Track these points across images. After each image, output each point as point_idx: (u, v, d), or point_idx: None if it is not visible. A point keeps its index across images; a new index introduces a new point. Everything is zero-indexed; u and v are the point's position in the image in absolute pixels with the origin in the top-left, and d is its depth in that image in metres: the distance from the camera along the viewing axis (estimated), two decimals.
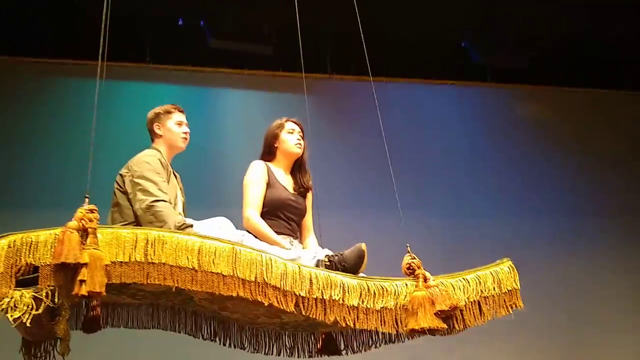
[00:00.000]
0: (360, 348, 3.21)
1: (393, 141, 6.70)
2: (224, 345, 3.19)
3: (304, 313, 2.43)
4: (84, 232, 2.13)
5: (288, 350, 3.28)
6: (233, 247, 2.38)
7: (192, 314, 3.10)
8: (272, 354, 3.28)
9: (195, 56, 6.78)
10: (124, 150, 5.82)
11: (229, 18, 6.42)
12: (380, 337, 3.11)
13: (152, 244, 2.26)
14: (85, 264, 2.07)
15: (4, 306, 2.10)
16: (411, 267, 2.62)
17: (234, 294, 2.31)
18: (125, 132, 5.67)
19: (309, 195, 3.49)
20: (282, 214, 3.30)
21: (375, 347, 3.16)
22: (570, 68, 7.49)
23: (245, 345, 3.20)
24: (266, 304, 2.36)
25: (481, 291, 2.67)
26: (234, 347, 3.20)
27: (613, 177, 7.28)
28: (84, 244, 2.11)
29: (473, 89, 7.51)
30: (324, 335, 3.29)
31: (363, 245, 2.82)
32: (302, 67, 6.23)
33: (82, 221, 2.14)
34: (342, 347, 3.28)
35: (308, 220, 3.48)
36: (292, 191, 3.39)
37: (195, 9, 6.45)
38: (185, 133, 3.31)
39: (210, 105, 6.90)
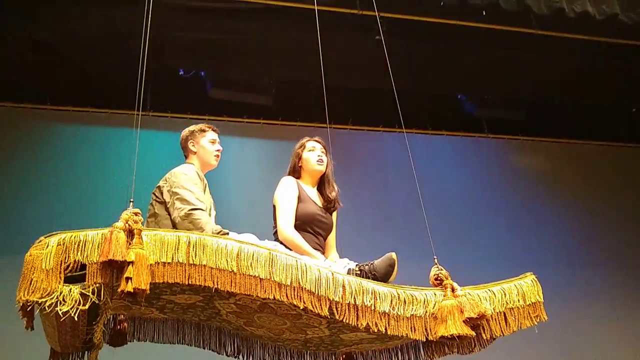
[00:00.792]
0: None
1: (387, 188, 6.86)
2: None
3: (337, 317, 2.47)
4: (129, 233, 2.22)
5: None
6: (270, 252, 2.45)
7: (216, 330, 3.15)
8: None
9: (195, 105, 6.86)
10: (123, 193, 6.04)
11: (229, 69, 6.54)
12: (400, 358, 3.19)
13: (193, 247, 2.32)
14: (132, 262, 2.15)
15: (53, 300, 2.14)
16: (439, 278, 2.68)
17: (271, 297, 2.37)
18: (127, 178, 5.70)
19: (335, 213, 3.55)
20: (311, 229, 3.33)
21: None
22: (567, 120, 7.62)
23: None
24: (301, 307, 2.41)
25: (506, 302, 2.71)
26: None
27: (610, 229, 7.29)
28: (129, 244, 2.20)
29: (469, 140, 7.59)
30: (344, 356, 3.33)
31: (393, 255, 2.91)
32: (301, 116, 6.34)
33: (128, 223, 2.23)
34: None
35: (332, 237, 3.51)
36: (320, 206, 3.44)
37: (196, 59, 6.58)
38: (218, 151, 3.44)
39: None
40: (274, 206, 3.34)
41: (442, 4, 5.46)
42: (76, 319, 2.19)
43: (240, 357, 3.24)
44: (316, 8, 3.53)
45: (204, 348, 3.19)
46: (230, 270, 2.33)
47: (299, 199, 3.32)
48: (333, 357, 3.37)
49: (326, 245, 3.46)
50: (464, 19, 5.76)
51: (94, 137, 6.56)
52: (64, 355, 2.82)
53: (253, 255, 2.39)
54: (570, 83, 7.12)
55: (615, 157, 7.78)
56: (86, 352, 2.77)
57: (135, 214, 2.29)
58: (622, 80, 7.22)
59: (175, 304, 2.75)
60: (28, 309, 2.23)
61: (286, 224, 3.22)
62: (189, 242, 2.33)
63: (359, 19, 6.18)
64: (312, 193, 3.47)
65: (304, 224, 3.29)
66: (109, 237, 2.17)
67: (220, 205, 6.06)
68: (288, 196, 3.30)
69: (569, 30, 6.15)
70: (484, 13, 5.68)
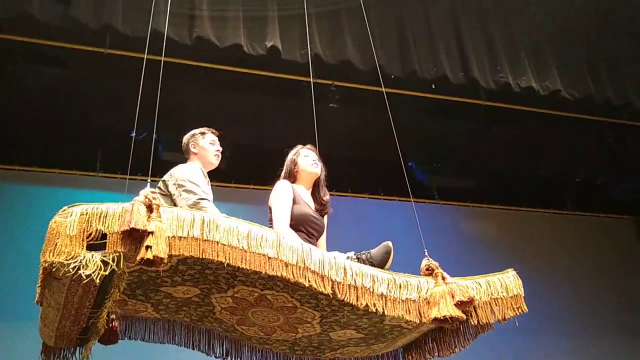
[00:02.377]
0: None
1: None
2: None
3: (339, 296, 2.59)
4: (149, 207, 2.31)
5: None
6: (277, 234, 2.59)
7: (206, 332, 3.24)
8: None
9: (146, 167, 6.77)
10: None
11: (183, 132, 6.52)
12: None
13: (207, 225, 2.42)
14: (152, 232, 2.25)
15: (76, 264, 2.23)
16: (430, 268, 2.88)
17: (278, 274, 2.48)
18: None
19: (326, 216, 3.69)
20: (304, 229, 3.43)
21: None
22: (514, 189, 7.83)
23: None
24: (307, 285, 2.53)
25: (491, 293, 2.91)
26: None
27: (556, 294, 7.41)
28: (149, 217, 2.30)
29: (420, 205, 7.68)
30: None
31: (389, 243, 3.14)
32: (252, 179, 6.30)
33: (148, 197, 2.33)
34: None
35: (323, 239, 3.63)
36: (313, 209, 3.58)
37: (148, 121, 6.53)
38: (218, 151, 3.64)
39: None
40: (270, 208, 3.46)
41: (392, 76, 5.60)
42: (97, 282, 2.29)
43: (230, 358, 3.34)
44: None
45: (194, 349, 3.26)
46: (241, 247, 2.44)
47: (294, 201, 3.46)
48: None
49: (317, 246, 3.53)
50: (415, 90, 5.91)
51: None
52: (55, 350, 2.88)
53: (262, 236, 2.51)
54: (516, 153, 7.36)
55: (561, 224, 7.99)
56: (78, 347, 2.87)
57: (153, 191, 2.39)
58: (565, 151, 7.51)
59: (171, 299, 2.83)
60: (52, 271, 2.31)
61: (282, 224, 3.31)
62: (203, 220, 2.43)
63: (314, 86, 6.31)
64: (306, 196, 3.62)
65: (298, 224, 3.40)
66: (130, 209, 2.27)
67: None
68: (283, 198, 3.43)
69: (515, 103, 6.38)
70: (434, 86, 5.87)
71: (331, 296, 2.63)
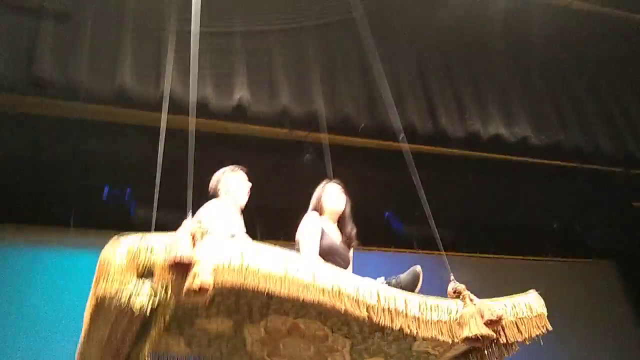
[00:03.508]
0: None
1: None
2: None
3: (374, 319, 2.68)
4: (193, 238, 2.39)
5: None
6: (313, 263, 2.77)
7: None
8: None
9: (120, 224, 6.70)
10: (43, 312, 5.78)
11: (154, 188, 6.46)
12: None
13: (247, 254, 2.50)
14: (197, 262, 2.33)
15: (129, 291, 2.31)
16: (457, 290, 2.99)
17: (315, 299, 2.56)
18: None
19: (352, 250, 3.78)
20: (332, 261, 3.41)
21: None
22: (493, 237, 7.79)
23: None
24: (342, 309, 2.61)
25: (517, 313, 3.00)
26: None
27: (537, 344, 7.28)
28: (194, 247, 2.37)
29: (400, 256, 7.60)
30: None
31: (418, 268, 3.30)
32: None
33: (192, 228, 2.41)
34: None
35: (349, 271, 3.65)
36: (339, 242, 3.69)
37: (122, 177, 6.50)
38: (248, 188, 3.70)
39: None
40: (298, 240, 3.56)
41: (361, 126, 5.63)
42: (147, 311, 2.35)
43: None
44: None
45: None
46: (279, 275, 2.51)
47: (322, 233, 3.55)
48: None
49: None
50: (384, 139, 5.91)
51: None
52: None
53: (299, 263, 2.63)
54: (489, 201, 7.35)
55: (540, 271, 7.92)
56: None
57: (198, 222, 2.48)
58: (542, 198, 7.52)
59: (204, 333, 2.89)
60: (103, 301, 2.35)
61: (312, 255, 3.41)
62: (242, 249, 2.52)
63: (288, 142, 6.33)
64: (332, 229, 3.72)
65: (326, 256, 3.46)
66: (176, 240, 2.35)
67: None
68: (312, 230, 3.53)
69: (485, 151, 6.42)
70: (402, 137, 5.89)
71: (366, 320, 2.70)
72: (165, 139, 5.98)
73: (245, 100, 5.16)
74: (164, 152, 6.05)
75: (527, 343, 3.02)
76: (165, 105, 3.43)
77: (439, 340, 2.88)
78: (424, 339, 2.91)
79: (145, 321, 2.51)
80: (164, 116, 3.40)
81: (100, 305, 2.39)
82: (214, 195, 3.63)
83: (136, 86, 4.85)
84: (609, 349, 7.97)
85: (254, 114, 5.18)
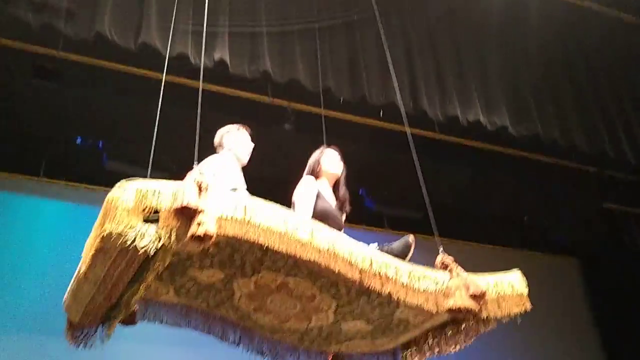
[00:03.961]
0: None
1: None
2: (247, 350, 3.48)
3: (365, 283, 2.76)
4: (199, 188, 2.42)
5: None
6: (311, 223, 2.77)
7: (220, 320, 3.35)
8: None
9: (91, 176, 6.63)
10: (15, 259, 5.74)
11: (127, 143, 6.39)
12: None
13: (250, 209, 2.55)
14: (202, 211, 2.36)
15: (134, 234, 2.34)
16: (445, 263, 3.04)
17: (311, 259, 2.63)
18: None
19: (344, 214, 3.83)
20: (327, 224, 3.42)
21: None
22: (463, 224, 7.82)
23: (265, 354, 3.52)
24: (336, 271, 2.70)
25: (499, 290, 3.05)
26: (256, 352, 3.51)
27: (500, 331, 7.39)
28: (199, 196, 2.40)
29: (371, 234, 7.63)
30: (332, 356, 3.64)
31: (411, 237, 3.39)
32: None
33: (198, 179, 2.44)
34: None
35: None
36: (334, 206, 3.73)
37: (94, 130, 6.41)
38: (250, 147, 3.75)
39: None
40: (293, 202, 3.57)
41: (341, 100, 5.59)
42: (150, 253, 2.40)
43: (241, 345, 3.45)
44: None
45: (209, 334, 3.37)
46: (279, 231, 2.56)
47: (317, 197, 3.59)
48: (322, 356, 3.64)
49: None
50: (362, 115, 5.89)
51: None
52: (79, 327, 3.03)
53: (298, 222, 2.68)
54: (465, 188, 7.38)
55: (505, 260, 7.99)
56: (100, 326, 3.01)
57: (201, 173, 2.50)
58: (514, 190, 7.58)
59: (194, 284, 2.97)
60: (107, 241, 2.40)
61: (305, 216, 3.42)
62: (246, 203, 2.56)
63: (271, 108, 6.27)
64: (328, 194, 3.76)
65: (321, 218, 3.41)
66: (183, 187, 2.38)
67: None
68: (308, 193, 3.57)
69: (463, 136, 6.42)
70: (381, 113, 5.88)
71: (357, 283, 2.78)
72: (140, 92, 5.95)
73: (226, 60, 5.08)
74: (140, 107, 6.01)
75: (504, 321, 3.11)
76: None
77: (422, 309, 2.95)
78: (408, 307, 3.00)
79: (142, 265, 2.57)
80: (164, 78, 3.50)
81: (104, 244, 2.43)
82: (217, 150, 3.68)
83: (115, 35, 4.73)
84: (568, 344, 8.14)
85: (234, 75, 5.10)
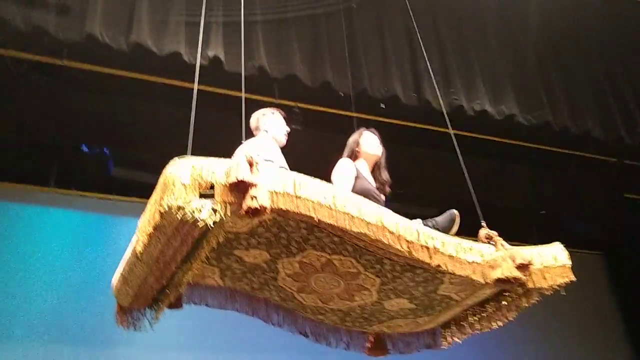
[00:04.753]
0: (403, 350, 3.76)
1: None
2: (290, 332, 3.58)
3: (415, 255, 2.80)
4: (250, 164, 2.47)
5: (344, 344, 3.72)
6: (359, 198, 2.81)
7: (263, 302, 3.43)
8: (330, 345, 3.68)
9: (98, 184, 6.62)
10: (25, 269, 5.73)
11: (132, 149, 6.37)
12: (420, 342, 3.72)
13: (299, 183, 2.59)
14: (256, 185, 2.43)
15: (193, 208, 2.38)
16: (489, 236, 3.16)
17: (361, 231, 2.68)
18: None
19: (383, 196, 3.78)
20: None
21: (417, 350, 3.74)
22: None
23: (308, 334, 3.63)
24: (386, 242, 2.73)
25: (543, 261, 3.11)
26: (299, 333, 3.61)
27: (516, 329, 7.18)
28: (252, 172, 2.46)
29: None
30: (374, 337, 3.73)
31: (455, 211, 3.42)
32: None
33: (248, 156, 2.49)
34: (390, 347, 3.75)
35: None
36: (374, 187, 3.72)
37: (100, 137, 6.39)
38: (287, 131, 3.77)
39: (113, 234, 6.63)
40: (332, 182, 3.54)
41: (337, 95, 5.47)
42: (210, 225, 2.43)
43: (285, 326, 3.54)
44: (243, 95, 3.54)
45: (252, 316, 3.44)
46: (328, 205, 2.61)
47: (357, 177, 3.60)
48: (363, 337, 3.73)
49: None
50: (364, 112, 5.73)
51: None
52: (128, 311, 3.17)
53: (345, 197, 2.73)
54: (477, 181, 7.17)
55: None
56: (149, 309, 3.13)
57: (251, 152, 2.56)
58: (528, 182, 7.36)
59: (239, 264, 3.03)
60: (166, 217, 2.44)
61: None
62: (295, 179, 2.61)
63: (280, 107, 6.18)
64: (368, 174, 3.77)
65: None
66: (236, 163, 2.44)
67: None
68: (347, 174, 3.58)
69: (470, 128, 6.24)
70: (383, 106, 5.74)
71: (404, 256, 2.85)
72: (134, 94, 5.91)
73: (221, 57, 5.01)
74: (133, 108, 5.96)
75: (549, 293, 3.15)
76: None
77: (467, 283, 3.06)
78: (452, 282, 3.09)
79: (195, 243, 2.64)
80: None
81: (163, 220, 2.47)
82: (254, 134, 3.70)
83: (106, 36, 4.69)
84: (594, 341, 7.89)
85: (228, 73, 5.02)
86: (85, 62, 5.44)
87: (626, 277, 8.37)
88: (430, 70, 4.43)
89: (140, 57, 5.01)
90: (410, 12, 4.50)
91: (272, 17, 5.14)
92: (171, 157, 6.29)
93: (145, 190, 6.57)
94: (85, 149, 6.58)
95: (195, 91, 3.18)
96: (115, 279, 3.07)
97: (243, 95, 3.30)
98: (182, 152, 6.36)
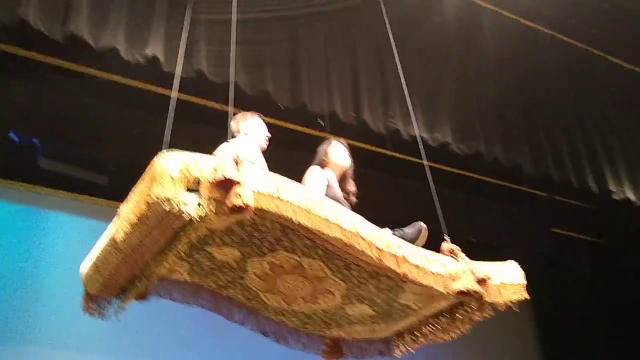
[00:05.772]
0: (357, 355, 3.89)
1: None
2: (251, 330, 3.65)
3: (383, 263, 2.94)
4: (236, 163, 2.56)
5: (302, 345, 3.81)
6: (335, 204, 2.95)
7: (227, 299, 3.48)
8: (289, 346, 3.77)
9: (25, 174, 6.38)
10: None
11: (64, 141, 6.17)
12: (374, 349, 3.88)
13: (282, 186, 2.69)
14: (241, 183, 2.50)
15: (180, 201, 2.46)
16: (451, 250, 3.31)
17: (335, 236, 2.79)
18: None
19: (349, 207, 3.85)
20: None
21: (370, 356, 3.90)
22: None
23: (269, 334, 3.70)
24: (358, 248, 2.85)
25: (500, 278, 3.31)
26: (261, 333, 3.68)
27: None
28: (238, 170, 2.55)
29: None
30: (330, 341, 3.84)
31: (422, 224, 3.51)
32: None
33: (234, 155, 2.58)
34: (345, 351, 3.86)
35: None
36: (341, 197, 3.80)
37: (31, 126, 6.17)
38: (267, 136, 3.82)
39: (35, 226, 6.41)
40: None
41: (281, 106, 5.47)
42: (195, 219, 2.52)
43: (247, 325, 3.60)
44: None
45: (215, 312, 3.50)
46: (307, 209, 2.71)
47: (327, 186, 3.69)
48: (320, 340, 3.84)
49: None
50: (303, 125, 5.76)
51: None
52: (95, 299, 3.20)
53: (324, 202, 2.86)
54: (416, 206, 7.27)
55: None
56: (115, 299, 3.18)
57: (237, 152, 2.65)
58: (463, 210, 7.50)
59: (208, 261, 3.07)
60: (152, 208, 2.51)
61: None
62: (277, 181, 2.70)
63: (218, 114, 6.12)
64: (335, 184, 3.84)
65: None
66: (223, 161, 2.53)
67: (42, 285, 5.75)
68: (318, 180, 3.67)
69: (405, 152, 6.33)
70: (321, 122, 5.77)
71: (373, 264, 2.97)
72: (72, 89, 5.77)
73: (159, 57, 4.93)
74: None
75: (502, 309, 3.33)
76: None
77: (427, 293, 3.22)
78: (413, 291, 3.22)
79: (173, 236, 2.70)
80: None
81: (149, 210, 2.53)
82: (234, 136, 3.72)
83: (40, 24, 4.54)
84: None
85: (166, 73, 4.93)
86: (19, 48, 5.29)
87: (546, 308, 8.61)
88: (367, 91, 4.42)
89: (76, 49, 4.88)
90: (354, 30, 4.48)
91: (217, 17, 5.05)
92: (101, 153, 6.14)
93: (73, 185, 6.42)
94: (14, 137, 6.36)
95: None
96: (86, 265, 3.11)
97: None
98: (112, 147, 6.21)
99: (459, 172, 7.04)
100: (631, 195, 7.20)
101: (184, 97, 5.55)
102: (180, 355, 6.20)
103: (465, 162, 6.53)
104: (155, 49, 4.89)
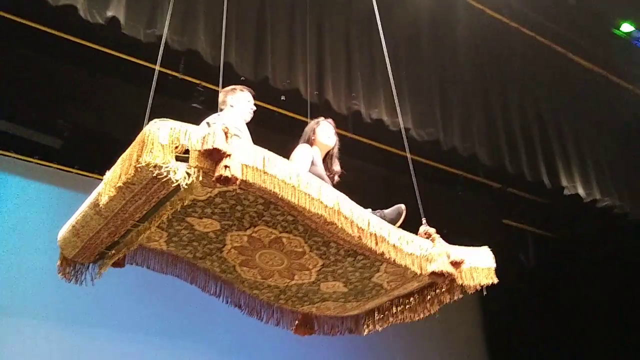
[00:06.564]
0: (327, 332, 4.01)
1: None
2: (225, 302, 3.72)
3: (363, 241, 2.97)
4: (226, 135, 2.56)
5: (275, 320, 3.88)
6: (319, 181, 2.94)
7: (203, 271, 3.54)
8: (261, 319, 3.84)
9: None
10: None
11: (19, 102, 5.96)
12: (344, 326, 4.00)
13: (268, 160, 2.69)
14: (230, 155, 2.52)
15: (168, 168, 2.47)
16: (428, 233, 3.34)
17: (319, 212, 2.81)
18: None
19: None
20: None
21: (340, 334, 4.02)
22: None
23: (242, 307, 3.77)
24: (339, 225, 2.88)
25: (472, 261, 3.36)
26: (234, 305, 3.75)
27: None
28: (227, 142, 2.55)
29: None
30: (302, 316, 3.94)
31: (402, 206, 3.56)
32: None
33: (223, 127, 2.58)
34: (315, 327, 3.98)
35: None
36: (325, 175, 3.85)
37: None
38: (252, 109, 3.86)
39: None
40: None
41: (242, 78, 5.37)
42: (183, 186, 2.52)
43: (220, 298, 3.67)
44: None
45: (191, 283, 3.56)
46: (292, 184, 2.72)
47: (312, 163, 3.73)
48: (294, 314, 3.92)
49: None
50: (263, 101, 5.66)
51: None
52: (71, 263, 3.23)
53: (308, 178, 2.84)
54: (372, 190, 7.30)
55: None
56: (91, 265, 3.23)
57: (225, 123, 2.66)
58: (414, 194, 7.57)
59: (188, 232, 3.08)
60: (139, 174, 2.53)
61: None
62: (264, 155, 2.69)
63: (179, 82, 6.00)
64: (320, 162, 3.88)
65: None
66: (212, 132, 2.52)
67: None
68: (304, 157, 3.71)
69: (365, 135, 6.33)
70: (283, 98, 5.72)
71: (353, 242, 3.04)
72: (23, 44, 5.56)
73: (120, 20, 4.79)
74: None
75: (472, 292, 3.41)
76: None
77: (400, 274, 3.31)
78: (388, 271, 3.31)
79: (158, 204, 2.72)
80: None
81: (136, 175, 2.55)
82: (221, 108, 3.76)
83: None
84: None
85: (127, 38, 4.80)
86: None
87: (493, 302, 8.80)
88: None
89: (34, 5, 4.70)
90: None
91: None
92: (52, 114, 5.91)
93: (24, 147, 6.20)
94: None
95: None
96: (65, 229, 3.11)
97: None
98: (68, 110, 6.00)
99: (416, 158, 7.08)
100: (581, 191, 7.38)
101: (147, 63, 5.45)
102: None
103: (422, 149, 6.55)
104: (116, 11, 4.75)
